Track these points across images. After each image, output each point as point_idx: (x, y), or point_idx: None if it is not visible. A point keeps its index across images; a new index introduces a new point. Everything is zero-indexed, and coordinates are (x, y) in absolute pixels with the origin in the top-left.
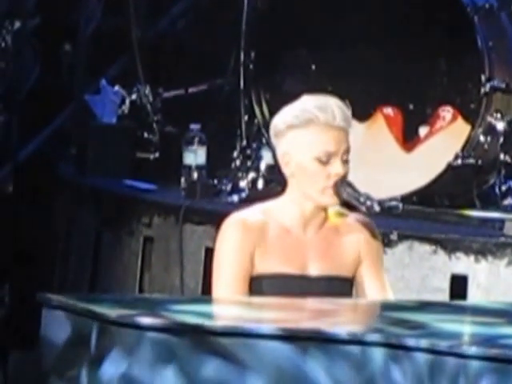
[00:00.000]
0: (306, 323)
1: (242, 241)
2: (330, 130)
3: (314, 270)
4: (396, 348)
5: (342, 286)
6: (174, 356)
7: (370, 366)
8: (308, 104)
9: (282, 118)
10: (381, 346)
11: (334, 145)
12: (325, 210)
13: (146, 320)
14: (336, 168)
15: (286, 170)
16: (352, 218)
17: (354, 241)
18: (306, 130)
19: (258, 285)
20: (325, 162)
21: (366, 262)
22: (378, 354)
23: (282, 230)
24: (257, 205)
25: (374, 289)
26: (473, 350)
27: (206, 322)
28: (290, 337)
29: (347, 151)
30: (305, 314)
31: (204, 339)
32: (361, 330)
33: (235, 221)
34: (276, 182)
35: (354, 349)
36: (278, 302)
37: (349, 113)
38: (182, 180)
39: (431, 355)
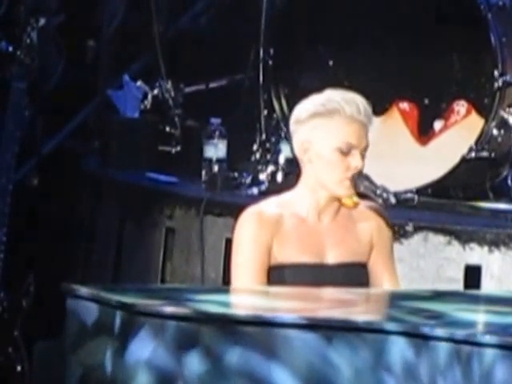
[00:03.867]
0: (326, 312)
1: (259, 232)
2: (354, 123)
3: (332, 257)
4: (414, 337)
5: (359, 272)
6: (198, 344)
7: (389, 354)
8: (334, 95)
9: (306, 106)
10: (400, 334)
11: (356, 138)
12: (338, 198)
13: (169, 309)
14: (356, 161)
15: (304, 157)
16: (364, 205)
17: (366, 226)
18: (331, 120)
19: (279, 274)
20: (345, 153)
21: (377, 248)
22: (396, 343)
23: (298, 220)
24: (272, 197)
25: (383, 275)
26: (487, 338)
27: (230, 311)
28: (314, 325)
29: (366, 147)
30: (323, 303)
31: (228, 328)
32: (380, 318)
33: (251, 214)
34: (294, 175)
35: (374, 337)
36: (296, 291)
37: (370, 111)
38: (203, 173)
39: (448, 343)
